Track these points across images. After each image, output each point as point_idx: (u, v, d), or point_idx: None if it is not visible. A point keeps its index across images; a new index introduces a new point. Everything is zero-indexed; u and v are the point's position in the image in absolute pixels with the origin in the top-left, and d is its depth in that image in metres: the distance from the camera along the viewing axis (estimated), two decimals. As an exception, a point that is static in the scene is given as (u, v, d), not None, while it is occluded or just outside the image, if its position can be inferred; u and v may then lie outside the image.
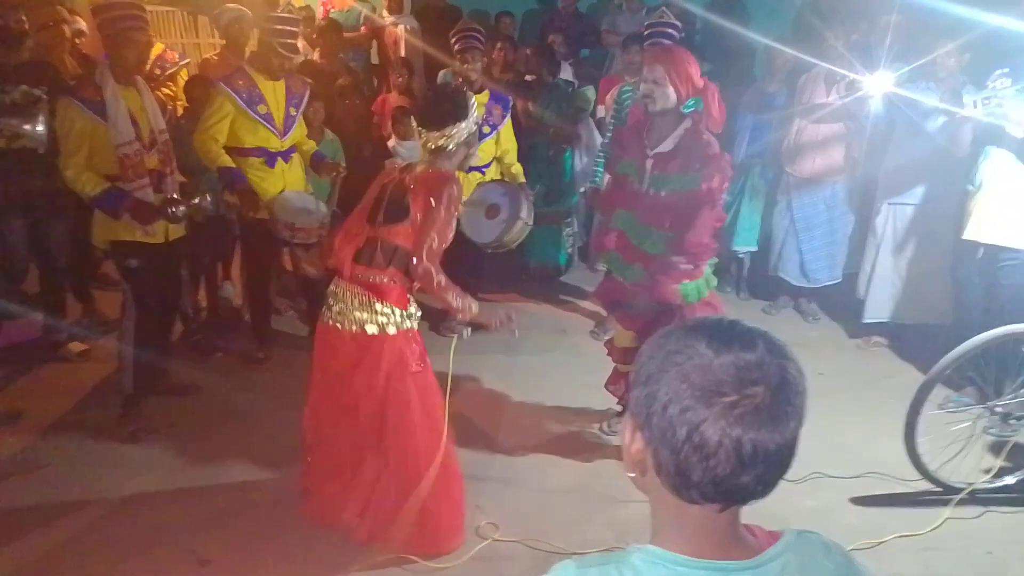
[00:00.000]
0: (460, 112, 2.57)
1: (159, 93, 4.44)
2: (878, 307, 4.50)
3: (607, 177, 4.46)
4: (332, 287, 2.70)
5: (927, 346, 4.00)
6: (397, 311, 2.64)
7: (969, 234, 3.81)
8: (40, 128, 3.58)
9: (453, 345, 2.80)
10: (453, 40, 4.36)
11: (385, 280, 2.62)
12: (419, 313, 2.77)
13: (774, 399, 0.80)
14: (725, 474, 0.81)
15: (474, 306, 2.65)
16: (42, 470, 3.33)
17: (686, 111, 2.97)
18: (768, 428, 0.80)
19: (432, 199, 2.52)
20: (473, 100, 2.67)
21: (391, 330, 2.63)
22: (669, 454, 0.82)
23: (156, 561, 2.81)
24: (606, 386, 3.55)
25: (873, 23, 4.67)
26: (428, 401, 2.73)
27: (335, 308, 2.66)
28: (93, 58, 4.44)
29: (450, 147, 2.59)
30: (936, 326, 4.33)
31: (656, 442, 0.84)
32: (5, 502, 3.11)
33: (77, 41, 4.72)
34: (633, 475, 0.92)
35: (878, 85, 4.07)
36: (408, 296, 2.69)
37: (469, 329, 4.26)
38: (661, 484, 0.86)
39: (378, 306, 2.61)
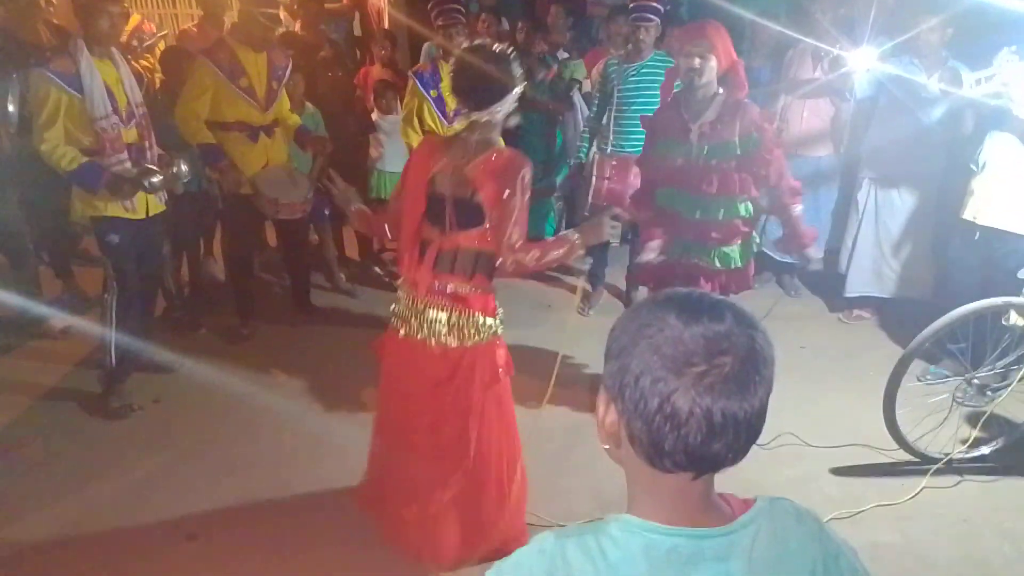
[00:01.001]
0: (509, 84, 2.29)
1: (136, 65, 4.36)
2: (859, 281, 4.54)
3: (593, 152, 4.46)
4: (406, 300, 2.43)
5: (907, 320, 4.05)
6: (488, 320, 2.41)
7: (968, 214, 3.78)
8: (11, 108, 3.50)
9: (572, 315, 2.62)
10: (433, 13, 4.28)
11: (471, 290, 2.37)
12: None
13: (742, 368, 0.82)
14: (696, 443, 0.83)
15: (577, 238, 2.36)
16: (25, 448, 3.31)
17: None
18: (737, 397, 0.82)
19: (507, 189, 2.25)
20: (514, 66, 2.33)
21: (483, 340, 2.41)
22: (642, 425, 0.84)
23: (142, 536, 2.82)
24: None
25: (857, -2, 4.66)
26: (509, 409, 2.59)
27: (414, 323, 2.39)
28: (67, 29, 4.34)
29: (498, 118, 2.32)
30: (916, 300, 4.39)
31: (629, 414, 0.86)
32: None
33: (51, 10, 4.61)
34: (608, 447, 0.94)
35: (862, 60, 4.06)
36: (496, 302, 2.46)
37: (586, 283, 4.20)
38: (635, 455, 0.88)
39: (467, 318, 2.38)
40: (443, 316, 2.37)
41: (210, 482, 3.11)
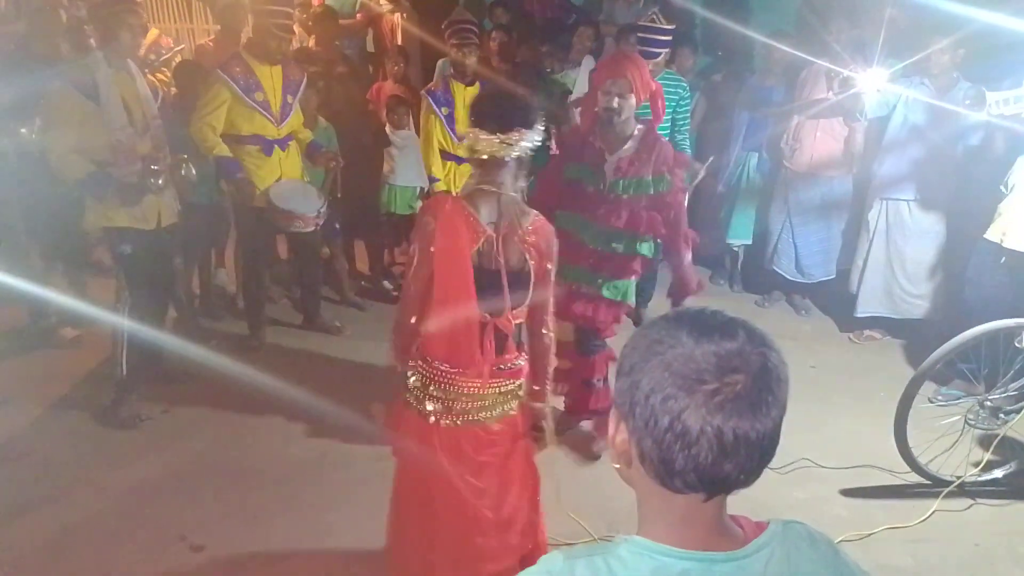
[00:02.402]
0: (530, 118, 2.07)
1: (153, 78, 4.42)
2: (870, 301, 4.53)
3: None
4: (455, 388, 2.15)
5: (918, 340, 4.03)
6: (524, 381, 2.30)
7: (993, 235, 3.73)
8: (37, 124, 3.56)
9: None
10: (447, 32, 4.32)
11: (522, 362, 2.24)
12: None
13: (755, 387, 0.81)
14: (707, 462, 0.81)
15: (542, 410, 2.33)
16: (35, 456, 3.33)
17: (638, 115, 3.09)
18: (749, 416, 0.81)
19: (549, 263, 2.13)
20: (539, 113, 2.16)
21: (523, 401, 2.31)
22: (652, 443, 0.83)
23: (149, 547, 2.81)
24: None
25: (868, 19, 4.68)
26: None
27: (472, 410, 2.17)
28: (87, 41, 4.40)
29: (507, 157, 2.04)
30: (927, 321, 4.36)
31: (639, 432, 0.84)
32: (-2, 486, 3.11)
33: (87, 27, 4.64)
34: (619, 466, 0.93)
35: (873, 81, 4.07)
36: None
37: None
38: (646, 474, 0.87)
39: (516, 384, 2.25)
40: (500, 392, 2.20)
41: (218, 493, 3.12)
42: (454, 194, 2.22)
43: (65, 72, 3.32)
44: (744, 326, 0.85)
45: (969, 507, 3.12)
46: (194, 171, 3.57)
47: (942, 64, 3.98)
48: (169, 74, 4.94)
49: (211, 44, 5.10)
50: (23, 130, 3.60)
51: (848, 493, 3.21)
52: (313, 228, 4.06)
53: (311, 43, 5.61)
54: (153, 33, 5.08)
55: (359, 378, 3.86)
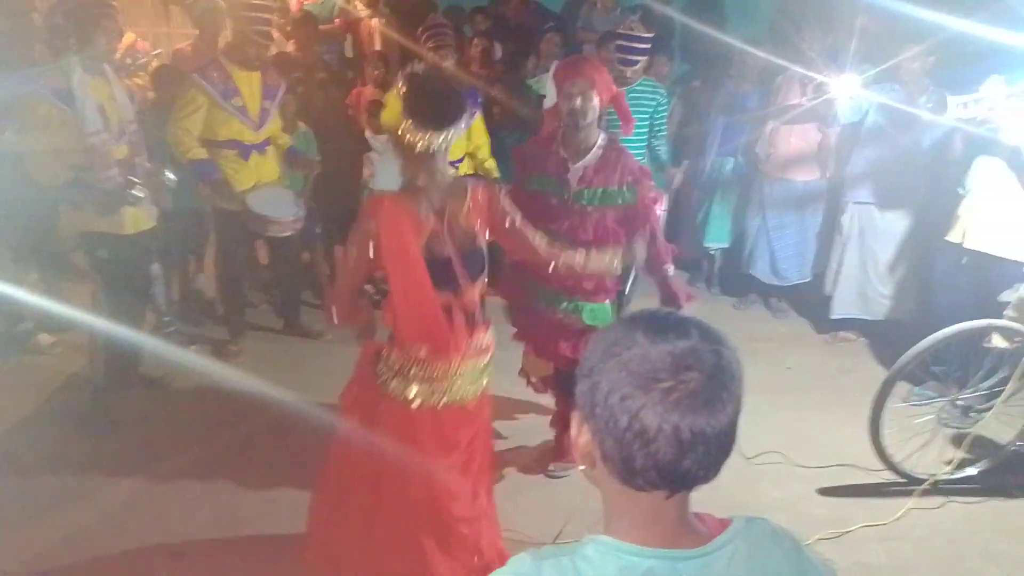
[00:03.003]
0: (462, 112, 2.15)
1: (129, 83, 4.38)
2: (845, 303, 4.60)
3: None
4: (436, 369, 2.23)
5: (892, 341, 4.09)
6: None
7: (954, 237, 3.84)
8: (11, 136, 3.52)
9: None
10: (423, 36, 4.34)
11: (491, 336, 2.35)
12: None
13: (709, 384, 0.83)
14: (666, 459, 0.83)
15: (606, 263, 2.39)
16: (11, 464, 3.28)
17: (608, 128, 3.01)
18: (704, 413, 0.82)
19: (507, 219, 2.23)
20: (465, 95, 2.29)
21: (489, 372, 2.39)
22: (613, 443, 0.85)
23: (129, 554, 2.79)
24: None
25: (841, 26, 4.76)
26: None
27: (453, 388, 2.25)
28: (62, 44, 4.36)
29: (440, 149, 2.13)
30: (901, 322, 4.44)
31: (601, 432, 0.86)
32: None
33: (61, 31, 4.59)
34: (584, 467, 0.94)
35: (845, 87, 4.15)
36: None
37: None
38: (609, 474, 0.89)
39: (487, 360, 2.35)
40: (474, 369, 2.29)
41: (196, 500, 3.09)
42: (389, 193, 2.25)
43: (40, 76, 3.29)
44: (697, 325, 0.87)
45: (943, 505, 3.18)
46: (173, 177, 3.55)
47: (913, 71, 4.07)
48: (146, 78, 4.91)
49: (189, 48, 5.07)
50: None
51: (825, 492, 3.25)
52: (290, 232, 4.05)
53: (290, 48, 5.60)
54: (130, 37, 5.03)
55: (339, 381, 3.83)
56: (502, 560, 2.46)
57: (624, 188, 2.90)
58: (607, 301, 3.06)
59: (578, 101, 2.82)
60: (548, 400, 3.50)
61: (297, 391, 3.90)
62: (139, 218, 3.49)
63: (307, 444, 3.42)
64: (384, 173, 4.84)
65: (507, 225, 2.25)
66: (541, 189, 2.98)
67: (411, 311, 2.18)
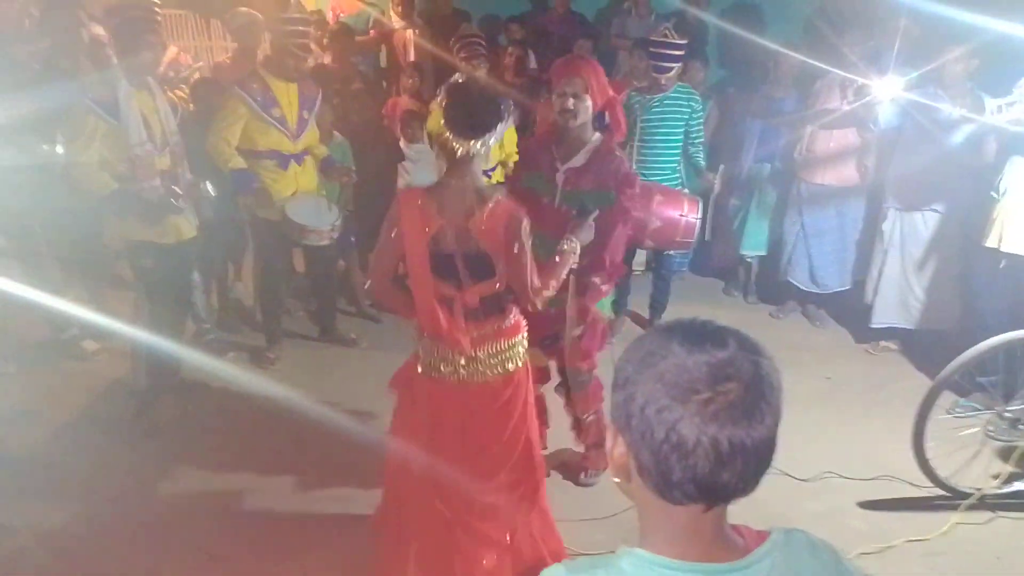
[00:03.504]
0: (501, 116, 2.25)
1: (172, 95, 4.49)
2: (886, 312, 4.50)
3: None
4: (444, 354, 2.41)
5: (935, 351, 4.00)
6: (524, 334, 2.51)
7: (991, 241, 3.78)
8: (60, 149, 3.63)
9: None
10: (456, 47, 4.39)
11: (511, 320, 2.45)
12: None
13: (748, 395, 0.81)
14: (704, 472, 0.81)
15: (572, 243, 2.48)
16: (56, 467, 3.37)
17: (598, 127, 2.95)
18: (743, 424, 0.81)
19: (515, 243, 2.27)
20: (504, 104, 2.31)
21: (525, 353, 2.51)
22: (649, 455, 0.83)
23: (167, 556, 2.84)
24: None
25: (882, 29, 4.69)
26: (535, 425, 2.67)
27: (467, 369, 2.41)
28: (108, 58, 4.49)
29: (480, 152, 2.25)
30: (944, 331, 4.33)
31: (636, 444, 0.85)
32: (20, 496, 3.14)
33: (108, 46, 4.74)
34: (619, 480, 0.93)
35: (886, 90, 4.07)
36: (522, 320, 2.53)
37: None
38: (645, 487, 0.87)
39: (513, 340, 2.47)
40: (489, 351, 2.41)
41: (235, 503, 3.14)
42: (419, 187, 2.42)
43: (87, 89, 3.39)
44: (735, 335, 0.86)
45: (990, 520, 3.08)
46: (212, 190, 3.63)
47: (955, 74, 3.98)
48: (187, 91, 5.02)
49: (229, 61, 5.18)
50: (44, 146, 3.67)
51: (866, 505, 3.18)
52: (327, 241, 4.11)
53: (327, 60, 5.69)
54: (172, 51, 5.16)
55: (374, 388, 3.87)
56: (533, 549, 2.56)
57: (599, 192, 2.83)
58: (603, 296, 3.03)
59: (570, 102, 2.80)
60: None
61: (332, 397, 3.96)
62: (181, 228, 3.57)
63: (345, 449, 3.47)
64: (418, 182, 4.89)
65: (512, 250, 2.28)
66: (533, 187, 2.95)
67: (415, 293, 2.37)
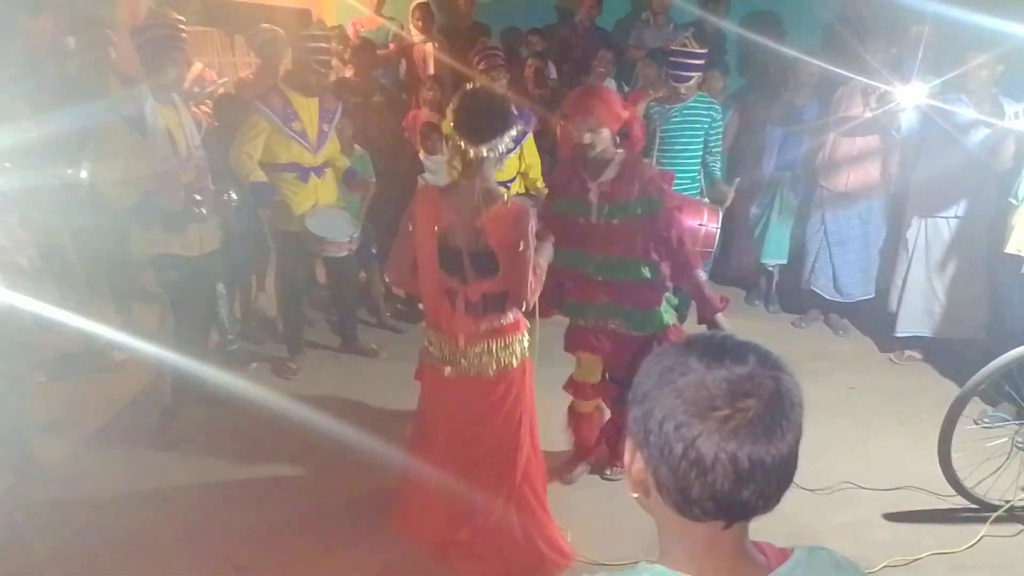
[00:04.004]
0: (508, 123, 2.39)
1: (196, 110, 4.57)
2: (910, 321, 4.44)
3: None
4: (445, 345, 2.59)
5: (961, 360, 3.94)
6: (523, 337, 2.63)
7: (1011, 248, 3.74)
8: (84, 174, 3.71)
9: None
10: (476, 59, 4.43)
11: (510, 318, 2.57)
12: None
13: (767, 411, 0.80)
14: (724, 490, 0.80)
15: (539, 236, 2.55)
16: (82, 477, 3.42)
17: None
18: (763, 441, 0.80)
19: (520, 242, 2.38)
20: (513, 111, 2.48)
21: (523, 353, 2.63)
22: (668, 472, 0.82)
23: (192, 566, 2.87)
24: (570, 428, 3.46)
25: (904, 35, 4.65)
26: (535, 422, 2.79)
27: (464, 362, 2.56)
28: (134, 77, 4.58)
29: (490, 156, 2.39)
30: (970, 340, 4.27)
31: (655, 460, 0.84)
32: (48, 506, 3.19)
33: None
34: (637, 496, 0.92)
35: (910, 97, 4.04)
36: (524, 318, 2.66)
37: None
38: (664, 503, 0.86)
39: (511, 338, 2.59)
40: (489, 347, 2.56)
41: (259, 513, 3.17)
42: (438, 187, 2.58)
43: (114, 106, 3.46)
44: (755, 350, 0.85)
45: (1019, 532, 3.02)
46: (235, 196, 3.69)
47: (980, 80, 3.93)
48: (212, 106, 5.10)
49: (251, 77, 5.26)
50: (69, 171, 3.76)
51: (891, 517, 3.14)
52: (347, 253, 4.15)
53: (348, 73, 5.75)
54: (198, 67, 5.25)
55: (395, 399, 3.90)
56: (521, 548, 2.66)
57: (644, 198, 2.94)
58: (657, 307, 3.09)
59: (586, 137, 2.88)
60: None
61: (354, 407, 3.99)
62: (205, 240, 3.62)
63: (367, 460, 3.48)
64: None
65: (518, 248, 2.40)
66: (567, 212, 3.05)
67: (423, 284, 2.55)
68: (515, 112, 2.45)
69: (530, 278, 2.45)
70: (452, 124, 2.41)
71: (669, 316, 3.15)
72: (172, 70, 3.43)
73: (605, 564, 2.78)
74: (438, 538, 2.76)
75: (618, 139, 2.97)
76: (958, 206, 4.22)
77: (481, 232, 2.40)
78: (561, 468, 3.42)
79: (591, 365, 3.26)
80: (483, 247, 2.42)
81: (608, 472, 3.44)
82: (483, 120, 2.37)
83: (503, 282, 2.47)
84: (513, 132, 2.41)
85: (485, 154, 2.36)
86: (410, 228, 2.50)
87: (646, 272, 3.02)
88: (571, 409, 3.41)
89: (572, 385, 3.36)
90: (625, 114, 2.98)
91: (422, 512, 2.78)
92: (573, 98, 3.01)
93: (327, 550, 2.95)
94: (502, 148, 2.40)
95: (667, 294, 3.17)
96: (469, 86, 2.53)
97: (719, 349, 0.84)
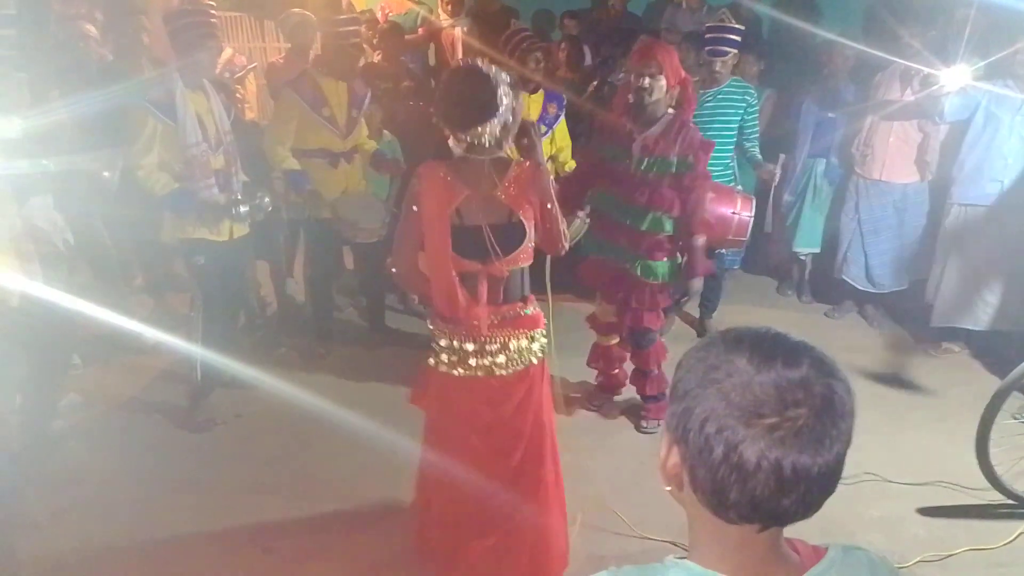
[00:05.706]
0: (488, 113, 2.16)
1: (239, 94, 4.60)
2: (947, 312, 4.33)
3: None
4: (458, 341, 2.38)
5: (999, 353, 3.84)
6: (541, 334, 2.47)
7: None
8: (106, 174, 3.77)
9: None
10: (507, 44, 4.37)
11: (531, 309, 2.43)
12: None
13: (818, 422, 0.76)
14: (764, 496, 0.77)
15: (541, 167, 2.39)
16: (113, 458, 3.48)
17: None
18: (810, 451, 0.76)
19: (547, 202, 2.31)
20: (502, 88, 2.19)
21: (542, 350, 2.48)
22: (706, 472, 0.80)
23: (220, 547, 2.91)
24: (588, 363, 3.83)
25: (949, 18, 4.51)
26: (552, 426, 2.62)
27: (486, 360, 2.37)
28: (165, 61, 4.62)
29: (486, 142, 2.20)
30: (1010, 333, 4.15)
31: (692, 459, 0.81)
32: (80, 486, 3.26)
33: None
34: (670, 489, 0.90)
35: (954, 81, 3.91)
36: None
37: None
38: (697, 501, 0.84)
39: (532, 334, 2.43)
40: (510, 342, 2.38)
41: (287, 496, 3.20)
42: (438, 161, 2.36)
43: (146, 91, 3.49)
44: (810, 353, 0.80)
45: (1059, 530, 2.95)
46: (268, 200, 3.71)
47: (1028, 63, 3.80)
48: (242, 91, 5.13)
49: (281, 61, 5.28)
50: (106, 173, 3.81)
51: (926, 512, 3.07)
52: (377, 239, 4.15)
53: (377, 58, 5.74)
54: (228, 52, 5.28)
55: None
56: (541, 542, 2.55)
57: (680, 159, 3.19)
58: (663, 259, 3.35)
59: (646, 81, 3.11)
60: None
61: (381, 392, 4.01)
62: (234, 225, 3.64)
63: (394, 445, 3.50)
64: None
65: (547, 206, 2.35)
66: (609, 156, 3.33)
67: (432, 272, 2.33)
68: (507, 89, 2.20)
69: (562, 226, 2.41)
70: (436, 117, 2.27)
71: (670, 273, 3.39)
72: (203, 55, 3.44)
73: (640, 537, 2.78)
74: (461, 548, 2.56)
75: (673, 100, 3.20)
76: (1001, 194, 4.09)
77: (502, 202, 2.27)
78: (587, 398, 3.85)
79: (607, 306, 3.58)
80: (506, 218, 2.28)
81: (644, 424, 3.66)
82: (468, 105, 2.18)
83: (525, 257, 2.34)
84: (508, 116, 2.19)
85: (482, 137, 2.17)
86: (414, 209, 2.31)
87: (668, 227, 3.30)
88: (595, 345, 3.77)
89: (592, 319, 3.73)
90: (684, 74, 3.22)
91: (445, 527, 2.59)
92: (639, 47, 3.24)
93: (355, 532, 2.97)
94: (499, 131, 2.19)
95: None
96: (450, 70, 2.39)
97: (771, 349, 0.80)
